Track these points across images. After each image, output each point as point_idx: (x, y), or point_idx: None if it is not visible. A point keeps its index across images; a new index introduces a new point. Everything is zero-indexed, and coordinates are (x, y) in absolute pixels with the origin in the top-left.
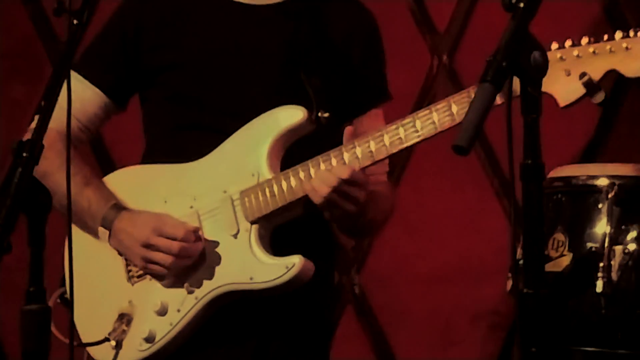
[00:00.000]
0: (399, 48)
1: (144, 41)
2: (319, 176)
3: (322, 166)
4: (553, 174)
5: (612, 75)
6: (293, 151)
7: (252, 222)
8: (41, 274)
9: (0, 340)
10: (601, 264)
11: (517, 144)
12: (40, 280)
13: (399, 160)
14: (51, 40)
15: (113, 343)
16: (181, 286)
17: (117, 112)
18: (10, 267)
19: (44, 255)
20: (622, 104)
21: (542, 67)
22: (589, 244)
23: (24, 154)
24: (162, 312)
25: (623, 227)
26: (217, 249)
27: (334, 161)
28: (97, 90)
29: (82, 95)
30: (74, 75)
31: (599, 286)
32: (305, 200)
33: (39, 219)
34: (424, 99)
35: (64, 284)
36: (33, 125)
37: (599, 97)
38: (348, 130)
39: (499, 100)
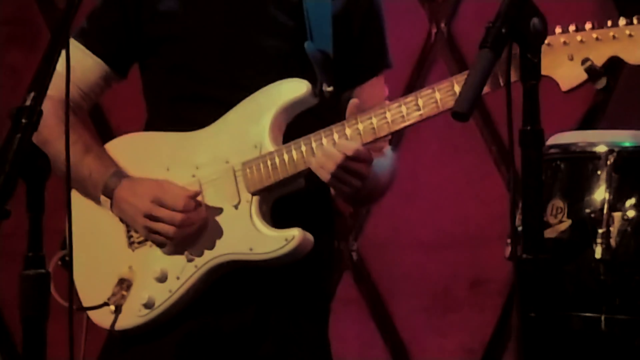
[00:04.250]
0: (398, 16)
1: (144, 11)
2: (325, 153)
3: (325, 141)
4: (552, 140)
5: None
6: (295, 124)
7: (253, 194)
8: (40, 239)
9: (0, 306)
10: (600, 231)
11: (516, 111)
12: (39, 245)
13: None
14: (49, 6)
15: (112, 308)
16: (181, 254)
17: (118, 81)
18: (9, 233)
19: (43, 220)
20: (621, 71)
21: (542, 33)
22: (588, 211)
23: (23, 120)
24: (162, 279)
25: (622, 193)
26: (218, 219)
27: (336, 136)
28: (98, 59)
29: (83, 63)
30: (74, 43)
31: (598, 252)
32: (307, 173)
33: (38, 185)
34: (422, 67)
35: (64, 247)
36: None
37: (601, 82)
38: (353, 102)
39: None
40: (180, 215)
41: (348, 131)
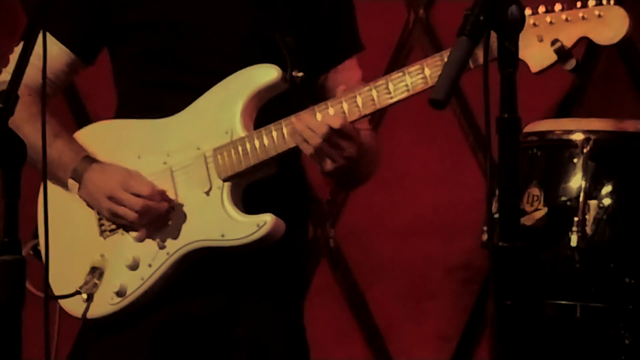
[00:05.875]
0: (376, 2)
1: None
2: (310, 125)
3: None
4: (529, 128)
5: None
6: (265, 110)
7: (225, 180)
8: (16, 225)
9: None
10: (576, 218)
11: (494, 98)
12: (15, 231)
13: (375, 114)
14: None
15: (84, 296)
16: (153, 241)
17: (84, 68)
18: None
19: (19, 206)
20: (599, 59)
21: (519, 21)
22: (564, 199)
23: None
24: (134, 266)
25: (598, 181)
26: (190, 206)
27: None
28: (64, 47)
29: (49, 51)
30: None
31: (574, 240)
32: (278, 159)
33: (14, 170)
34: (400, 53)
35: (37, 236)
36: (1, 78)
37: (571, 63)
38: (341, 88)
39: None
40: (142, 201)
41: (318, 116)
